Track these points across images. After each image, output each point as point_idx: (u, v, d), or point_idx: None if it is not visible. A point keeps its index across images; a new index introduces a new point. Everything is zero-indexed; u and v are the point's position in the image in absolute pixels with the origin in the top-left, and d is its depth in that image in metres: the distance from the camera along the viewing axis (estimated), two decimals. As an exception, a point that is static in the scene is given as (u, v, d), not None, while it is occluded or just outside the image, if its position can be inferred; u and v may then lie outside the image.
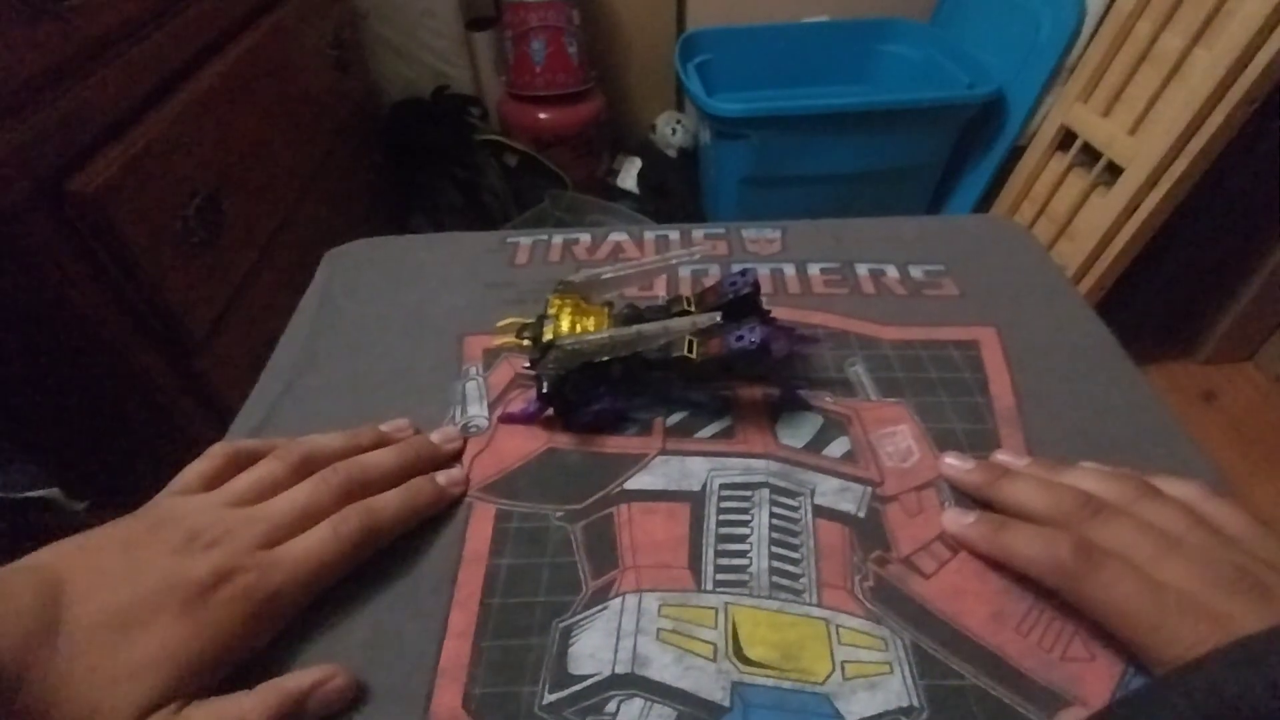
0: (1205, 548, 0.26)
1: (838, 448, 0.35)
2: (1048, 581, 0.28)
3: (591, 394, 0.35)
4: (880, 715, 0.25)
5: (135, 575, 0.25)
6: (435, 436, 0.35)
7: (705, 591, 0.29)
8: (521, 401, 0.37)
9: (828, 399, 0.37)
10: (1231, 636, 0.20)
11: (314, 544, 0.28)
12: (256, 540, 0.27)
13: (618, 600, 0.29)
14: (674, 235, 0.50)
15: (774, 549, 0.30)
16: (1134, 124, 1.06)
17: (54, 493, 0.77)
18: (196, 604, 0.25)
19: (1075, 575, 0.26)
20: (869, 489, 0.33)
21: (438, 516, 0.32)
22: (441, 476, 0.33)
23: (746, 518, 0.32)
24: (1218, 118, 0.95)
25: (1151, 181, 1.03)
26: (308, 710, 0.25)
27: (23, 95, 0.58)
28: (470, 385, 0.39)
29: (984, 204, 1.38)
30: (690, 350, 0.35)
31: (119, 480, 0.78)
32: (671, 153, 1.66)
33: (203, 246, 0.75)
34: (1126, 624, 0.25)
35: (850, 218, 0.51)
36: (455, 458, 0.35)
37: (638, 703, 0.26)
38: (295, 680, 0.25)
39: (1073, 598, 0.27)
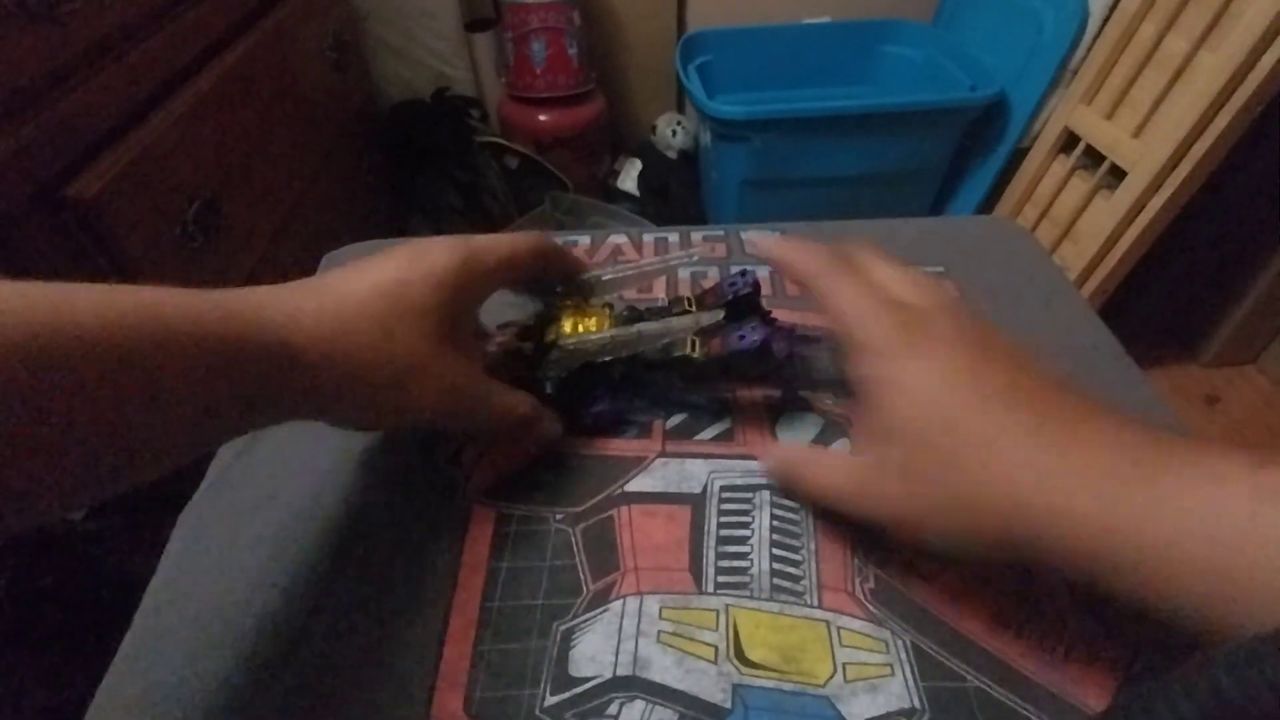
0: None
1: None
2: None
3: (592, 395, 0.35)
4: (881, 717, 0.25)
5: None
6: None
7: (706, 594, 0.29)
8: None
9: (828, 401, 0.37)
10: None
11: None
12: None
13: (618, 603, 0.29)
14: (673, 238, 0.50)
15: (775, 551, 0.30)
16: (1138, 127, 1.06)
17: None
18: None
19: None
20: (870, 491, 0.33)
21: (437, 519, 0.32)
22: None
23: (747, 520, 0.32)
24: (1222, 121, 0.95)
25: (1155, 185, 1.03)
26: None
27: (20, 100, 0.58)
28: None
29: (986, 207, 1.38)
30: (693, 349, 0.35)
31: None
32: (672, 155, 1.65)
33: (202, 250, 0.75)
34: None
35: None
36: None
37: (639, 705, 0.26)
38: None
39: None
